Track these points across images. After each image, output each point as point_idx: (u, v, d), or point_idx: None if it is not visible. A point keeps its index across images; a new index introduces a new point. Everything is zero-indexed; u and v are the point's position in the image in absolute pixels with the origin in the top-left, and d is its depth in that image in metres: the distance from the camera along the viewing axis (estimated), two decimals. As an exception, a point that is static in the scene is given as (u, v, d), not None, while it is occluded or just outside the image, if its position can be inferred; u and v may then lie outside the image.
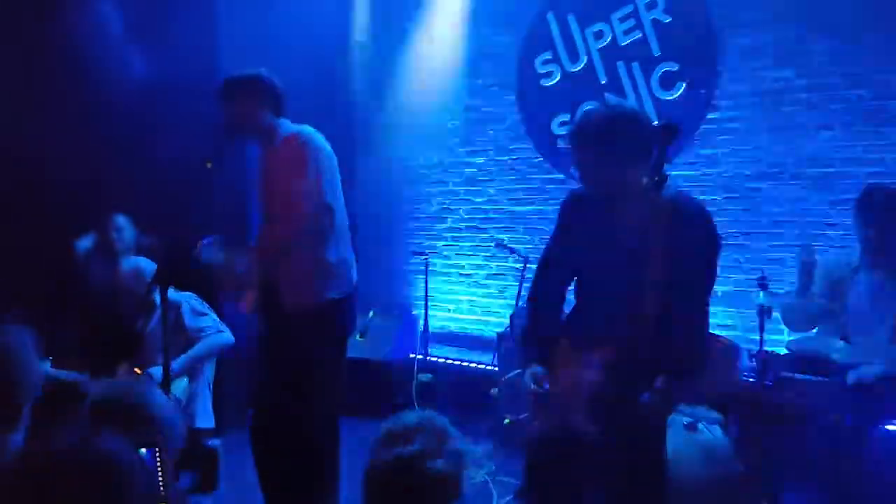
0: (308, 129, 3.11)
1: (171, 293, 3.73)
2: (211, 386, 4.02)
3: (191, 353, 3.82)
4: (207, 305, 3.97)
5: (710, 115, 4.91)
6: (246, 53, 4.29)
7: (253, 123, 3.12)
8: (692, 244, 2.36)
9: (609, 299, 2.42)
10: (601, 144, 2.35)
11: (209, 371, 4.01)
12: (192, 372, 3.88)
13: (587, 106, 2.42)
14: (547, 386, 2.55)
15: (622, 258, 2.40)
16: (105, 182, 4.55)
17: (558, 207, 2.65)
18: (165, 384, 3.15)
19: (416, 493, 1.61)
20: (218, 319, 3.97)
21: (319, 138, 3.10)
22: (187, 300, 3.89)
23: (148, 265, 3.92)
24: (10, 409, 1.83)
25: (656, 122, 2.40)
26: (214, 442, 3.89)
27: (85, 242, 4.36)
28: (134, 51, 4.66)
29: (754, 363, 3.36)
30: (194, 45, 4.65)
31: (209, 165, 2.90)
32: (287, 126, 3.14)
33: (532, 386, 2.55)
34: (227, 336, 3.97)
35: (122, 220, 4.36)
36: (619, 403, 2.28)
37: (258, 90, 3.11)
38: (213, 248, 3.08)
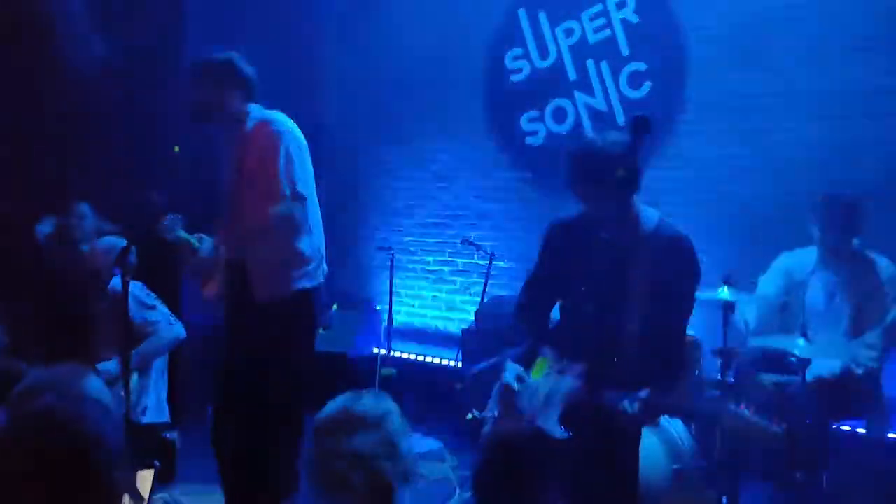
0: (280, 115, 3.06)
1: (116, 283, 3.65)
2: (165, 376, 3.87)
3: (140, 349, 3.59)
4: (155, 296, 3.77)
5: (676, 116, 4.95)
6: (213, 37, 4.22)
7: (222, 108, 3.06)
8: (674, 274, 2.45)
9: (592, 320, 2.47)
10: (600, 178, 2.39)
11: (162, 362, 3.86)
12: (142, 367, 3.68)
13: (586, 137, 2.50)
14: (525, 387, 2.59)
15: (606, 282, 2.45)
16: (68, 167, 4.44)
17: (543, 233, 2.73)
18: (125, 375, 3.08)
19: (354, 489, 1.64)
20: (167, 312, 3.78)
21: (292, 126, 3.05)
22: (133, 291, 3.60)
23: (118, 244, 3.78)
24: None
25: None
26: (171, 434, 3.79)
27: (45, 227, 4.25)
28: (96, 30, 4.55)
29: (717, 359, 3.40)
30: (160, 23, 4.56)
31: (176, 150, 2.84)
32: (258, 112, 3.08)
33: (514, 385, 2.56)
34: (178, 330, 3.77)
35: (84, 207, 4.26)
36: (595, 412, 2.30)
37: (229, 74, 3.05)
38: (175, 225, 3.02)
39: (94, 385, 1.41)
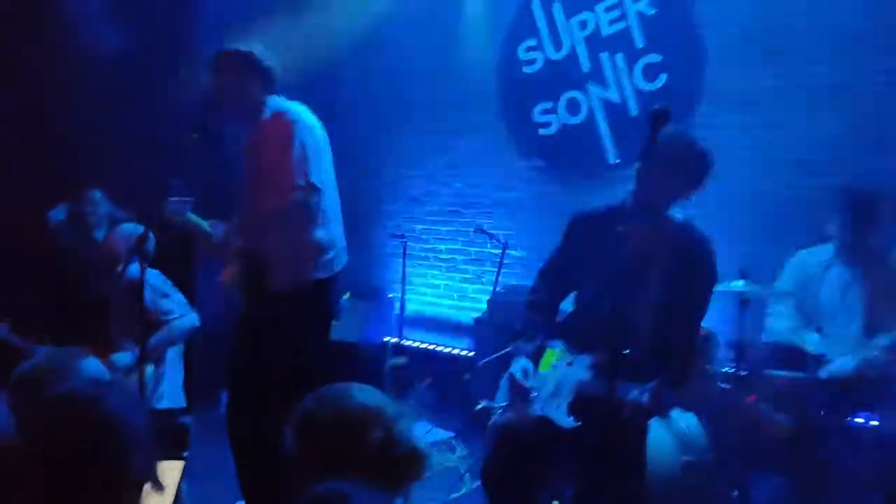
0: (297, 105, 3.07)
1: (133, 270, 3.66)
2: (181, 362, 3.89)
3: (155, 338, 3.58)
4: (171, 284, 3.77)
5: (691, 108, 4.92)
6: (229, 26, 4.22)
7: (242, 98, 3.06)
8: (693, 275, 2.51)
9: (607, 313, 2.49)
10: (685, 173, 2.48)
11: (177, 348, 3.86)
12: (157, 356, 3.69)
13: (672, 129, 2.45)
14: (532, 381, 2.62)
15: (625, 277, 2.46)
16: (83, 153, 4.47)
17: (565, 225, 2.78)
18: (141, 364, 3.10)
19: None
20: (183, 300, 3.77)
21: (308, 116, 3.06)
22: (149, 279, 3.58)
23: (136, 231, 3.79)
24: None
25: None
26: (186, 419, 3.82)
27: (58, 214, 4.27)
28: (112, 18, 4.56)
29: (731, 353, 3.40)
30: (175, 12, 4.56)
31: (194, 138, 2.85)
32: (276, 103, 3.09)
33: (520, 378, 2.58)
34: (193, 318, 3.76)
35: (97, 194, 4.28)
36: (604, 402, 2.31)
37: (250, 65, 3.06)
38: (180, 208, 3.01)
39: (92, 367, 1.42)
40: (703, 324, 2.81)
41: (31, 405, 1.35)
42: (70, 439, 1.28)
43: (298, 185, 2.93)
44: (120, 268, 3.68)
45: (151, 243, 3.71)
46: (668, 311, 2.46)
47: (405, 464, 1.69)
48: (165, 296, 3.71)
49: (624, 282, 2.42)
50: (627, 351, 2.18)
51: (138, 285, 3.27)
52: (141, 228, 3.75)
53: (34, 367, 1.47)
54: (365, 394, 1.76)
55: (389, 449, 1.67)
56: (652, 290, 2.45)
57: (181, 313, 3.72)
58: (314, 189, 2.97)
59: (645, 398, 2.35)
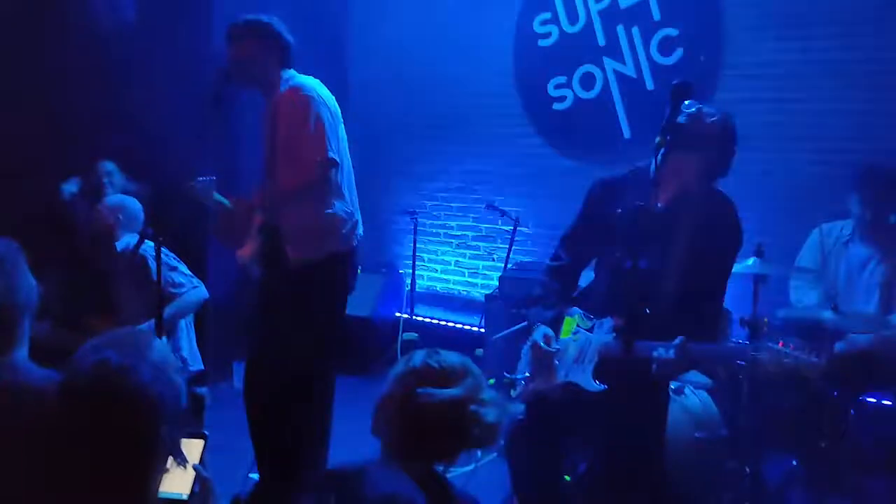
0: (312, 80, 3.07)
1: (135, 240, 3.63)
2: (192, 327, 3.85)
3: (167, 312, 3.40)
4: (176, 257, 3.68)
5: (708, 83, 4.86)
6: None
7: (256, 70, 3.06)
8: (719, 234, 2.49)
9: (631, 276, 2.46)
10: (712, 156, 2.44)
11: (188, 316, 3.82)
12: (169, 329, 3.60)
13: (696, 106, 2.43)
14: (556, 345, 2.60)
15: (649, 240, 2.43)
16: (93, 125, 4.46)
17: (587, 190, 2.76)
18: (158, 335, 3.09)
19: (461, 434, 1.66)
20: (189, 273, 3.72)
21: (323, 91, 3.06)
22: (151, 252, 3.45)
23: (133, 204, 3.73)
24: (8, 323, 1.79)
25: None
26: (202, 389, 3.83)
27: (71, 186, 4.27)
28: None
29: (745, 329, 3.38)
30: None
31: (210, 111, 2.85)
32: (292, 77, 3.08)
33: (541, 346, 2.57)
34: (202, 291, 3.70)
35: (109, 165, 4.28)
36: (629, 362, 2.31)
37: (265, 37, 3.05)
38: (207, 187, 3.02)
39: (159, 347, 1.42)
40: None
41: (66, 374, 1.34)
42: (101, 409, 1.28)
43: (315, 159, 2.93)
44: (111, 240, 3.64)
45: (140, 214, 3.71)
46: (695, 269, 2.43)
47: (487, 432, 1.69)
48: (173, 269, 3.64)
49: (648, 242, 2.40)
50: (647, 311, 2.17)
51: (140, 258, 3.27)
52: (130, 200, 3.75)
53: (98, 345, 1.45)
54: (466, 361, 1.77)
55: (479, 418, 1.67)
56: (677, 250, 2.42)
57: (191, 285, 3.70)
58: (333, 163, 2.97)
59: (672, 353, 2.33)
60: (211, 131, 3.38)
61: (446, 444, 1.69)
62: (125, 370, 1.30)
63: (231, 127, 4.52)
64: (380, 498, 1.56)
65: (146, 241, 3.10)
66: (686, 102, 2.24)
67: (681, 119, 2.19)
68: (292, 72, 3.11)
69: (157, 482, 1.37)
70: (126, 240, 3.61)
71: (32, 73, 4.26)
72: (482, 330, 5.15)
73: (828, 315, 3.30)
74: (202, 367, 3.82)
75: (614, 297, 2.55)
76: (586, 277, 2.85)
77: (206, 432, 1.81)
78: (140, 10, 4.61)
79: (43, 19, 4.43)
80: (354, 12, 6.24)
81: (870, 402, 3.73)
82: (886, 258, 3.48)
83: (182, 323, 3.78)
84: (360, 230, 3.22)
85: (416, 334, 5.44)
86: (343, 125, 3.15)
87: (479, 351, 4.87)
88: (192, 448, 1.72)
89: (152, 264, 3.50)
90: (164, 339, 3.57)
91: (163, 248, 3.57)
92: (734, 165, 2.56)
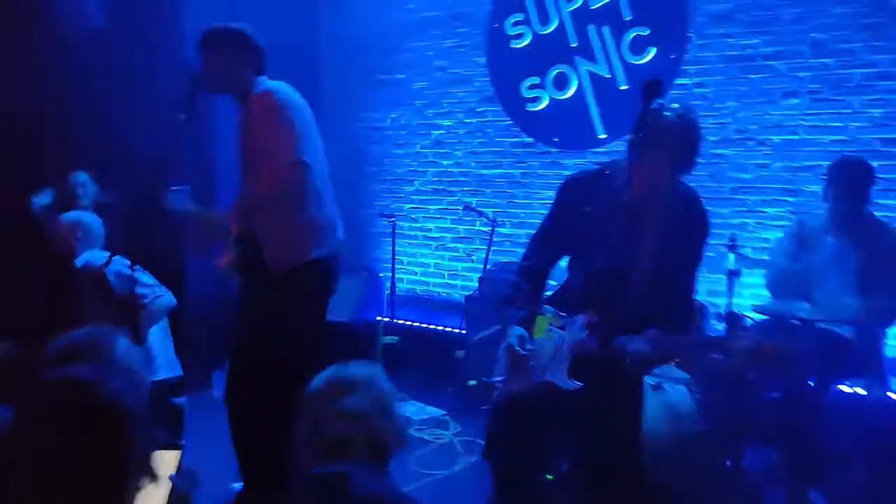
0: (282, 85, 3.05)
1: (96, 256, 3.59)
2: (169, 332, 3.81)
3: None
4: (140, 267, 3.54)
5: (679, 81, 4.92)
6: (211, 7, 4.17)
7: (230, 76, 3.04)
8: (687, 227, 2.51)
9: (603, 271, 2.48)
10: (679, 151, 2.43)
11: (163, 321, 3.77)
12: (139, 341, 3.53)
13: (663, 104, 2.43)
14: (529, 346, 2.61)
15: (621, 235, 2.46)
16: (64, 135, 4.41)
17: (557, 189, 2.76)
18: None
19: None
20: (154, 282, 3.66)
21: (294, 95, 3.04)
22: (113, 267, 3.52)
23: (91, 220, 3.69)
24: None
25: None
26: (180, 400, 3.80)
27: (42, 198, 4.22)
28: (93, 2, 4.50)
29: (721, 324, 3.42)
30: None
31: (182, 118, 2.82)
32: (263, 83, 3.07)
33: (516, 347, 2.58)
34: (168, 299, 3.67)
35: (82, 175, 4.23)
36: (604, 358, 2.33)
37: (238, 43, 3.03)
38: (182, 196, 3.01)
39: (122, 345, 1.39)
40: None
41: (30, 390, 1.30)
42: (69, 426, 1.24)
43: (289, 163, 2.92)
44: (68, 256, 3.60)
45: (99, 230, 3.68)
46: (665, 262, 2.45)
47: (396, 436, 1.75)
48: (135, 281, 3.63)
49: (620, 237, 2.42)
50: (620, 306, 2.19)
51: (99, 273, 3.23)
52: (87, 216, 3.70)
53: (69, 345, 1.41)
54: (367, 369, 1.82)
55: (386, 424, 1.70)
56: (647, 243, 2.44)
57: (155, 294, 3.65)
58: (305, 166, 2.96)
59: (645, 347, 2.35)
60: (185, 139, 3.35)
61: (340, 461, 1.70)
62: (94, 386, 1.26)
63: (206, 134, 4.50)
64: (365, 498, 1.56)
65: (115, 256, 3.09)
66: (656, 100, 2.26)
67: (650, 117, 2.21)
68: (264, 77, 3.11)
69: (133, 498, 1.35)
70: (86, 256, 3.59)
71: (0, 81, 4.20)
72: (463, 332, 5.16)
73: (803, 307, 3.34)
74: (180, 371, 3.79)
75: (587, 294, 2.57)
76: (560, 275, 2.86)
77: (183, 442, 1.79)
78: (111, 16, 4.56)
79: (11, 26, 4.37)
80: (326, 16, 6.22)
81: (845, 392, 3.79)
82: (861, 249, 3.52)
83: (157, 331, 3.74)
84: (340, 234, 3.21)
85: (397, 338, 5.42)
86: (318, 131, 3.14)
87: (460, 353, 4.88)
88: (168, 459, 1.70)
89: (112, 279, 3.50)
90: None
91: (119, 258, 3.54)
92: (702, 161, 2.58)
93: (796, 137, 4.57)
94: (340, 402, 1.71)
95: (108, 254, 3.49)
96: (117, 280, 3.52)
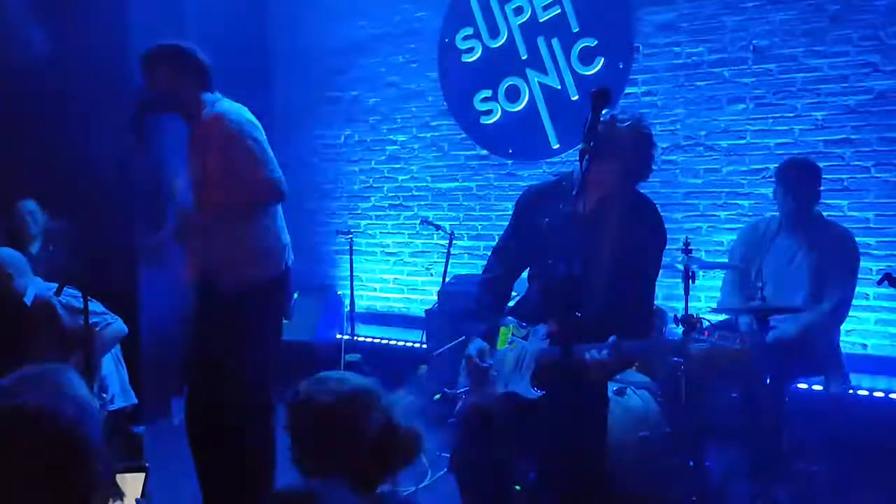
0: (233, 105, 3.01)
1: (39, 287, 3.52)
2: (122, 360, 3.76)
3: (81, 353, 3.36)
4: (84, 296, 3.37)
5: (627, 90, 5.00)
6: (159, 29, 4.12)
7: (174, 95, 2.99)
8: (647, 238, 2.55)
9: (563, 281, 2.49)
10: (630, 159, 2.48)
11: (114, 350, 3.72)
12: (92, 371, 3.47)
13: (613, 113, 2.49)
14: (490, 361, 2.62)
15: (579, 246, 2.46)
16: (10, 163, 4.31)
17: (515, 201, 2.80)
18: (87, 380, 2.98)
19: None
20: (103, 309, 3.59)
21: (246, 114, 3.01)
22: (60, 299, 3.46)
23: (9, 255, 3.57)
24: None
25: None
26: (138, 429, 3.72)
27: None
28: (38, 27, 4.41)
29: (679, 326, 3.46)
30: (103, 19, 4.44)
31: (132, 141, 2.78)
32: (216, 101, 3.02)
33: (476, 360, 2.58)
34: (119, 326, 3.61)
35: (31, 204, 4.14)
36: (565, 366, 2.33)
37: (178, 61, 2.98)
38: (181, 186, 2.96)
39: (73, 379, 1.34)
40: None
41: None
42: (23, 457, 1.20)
43: (265, 179, 2.91)
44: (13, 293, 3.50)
45: (19, 259, 3.57)
46: (624, 270, 2.48)
47: (404, 445, 1.72)
48: (82, 312, 3.54)
49: (577, 248, 2.44)
50: (579, 314, 2.21)
51: (44, 305, 3.18)
52: (4, 252, 3.60)
53: (18, 380, 1.36)
54: (359, 379, 1.76)
55: (389, 431, 1.69)
56: (606, 252, 2.46)
57: (106, 322, 3.58)
58: (281, 182, 2.94)
59: (606, 354, 2.37)
60: (134, 161, 3.29)
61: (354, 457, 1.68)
62: (45, 415, 1.22)
63: (155, 155, 4.42)
64: None
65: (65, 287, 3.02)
66: (604, 110, 2.29)
67: (599, 126, 2.24)
68: (218, 95, 3.06)
69: None
70: (32, 290, 3.49)
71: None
72: (425, 346, 5.15)
73: (756, 306, 3.40)
74: (135, 399, 3.72)
75: (547, 304, 2.59)
76: (521, 287, 2.88)
77: (147, 464, 1.75)
78: (54, 41, 4.47)
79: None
80: (277, 33, 6.20)
81: (801, 388, 3.87)
82: (812, 248, 3.60)
83: (110, 359, 3.67)
84: (292, 255, 3.17)
85: (359, 355, 5.39)
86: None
87: (423, 367, 4.86)
88: (133, 482, 1.66)
89: (60, 311, 3.42)
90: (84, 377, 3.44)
91: (68, 289, 3.45)
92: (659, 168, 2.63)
93: (743, 142, 4.68)
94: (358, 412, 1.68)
95: (55, 284, 3.40)
96: (66, 312, 3.48)
